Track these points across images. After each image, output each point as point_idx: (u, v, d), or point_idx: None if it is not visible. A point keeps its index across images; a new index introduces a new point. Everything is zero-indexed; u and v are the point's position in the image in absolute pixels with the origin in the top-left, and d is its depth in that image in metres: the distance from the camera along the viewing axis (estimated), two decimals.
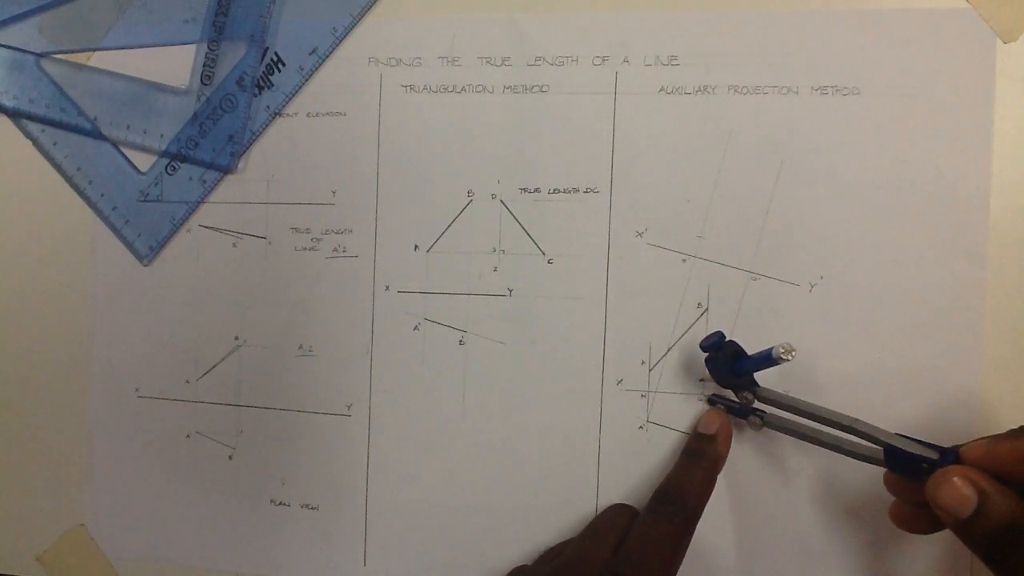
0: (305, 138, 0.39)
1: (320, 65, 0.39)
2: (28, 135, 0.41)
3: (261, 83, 0.39)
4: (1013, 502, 0.25)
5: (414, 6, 0.38)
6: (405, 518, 0.38)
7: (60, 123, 0.40)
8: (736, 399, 0.33)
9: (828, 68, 0.34)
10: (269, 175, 0.39)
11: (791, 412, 0.32)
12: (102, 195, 0.41)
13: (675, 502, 0.32)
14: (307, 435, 0.39)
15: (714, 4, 0.35)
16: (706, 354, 0.33)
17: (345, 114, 0.38)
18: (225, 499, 0.40)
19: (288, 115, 0.39)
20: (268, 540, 0.39)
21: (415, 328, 0.38)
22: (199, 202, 0.40)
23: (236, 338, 0.40)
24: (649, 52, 0.36)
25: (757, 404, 0.33)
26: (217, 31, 0.39)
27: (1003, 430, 0.27)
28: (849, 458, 0.31)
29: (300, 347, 0.39)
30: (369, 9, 0.38)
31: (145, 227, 0.40)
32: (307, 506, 0.39)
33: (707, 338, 0.33)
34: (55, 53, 0.40)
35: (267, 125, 0.39)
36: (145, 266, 0.40)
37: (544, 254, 0.37)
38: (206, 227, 0.40)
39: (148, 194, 0.40)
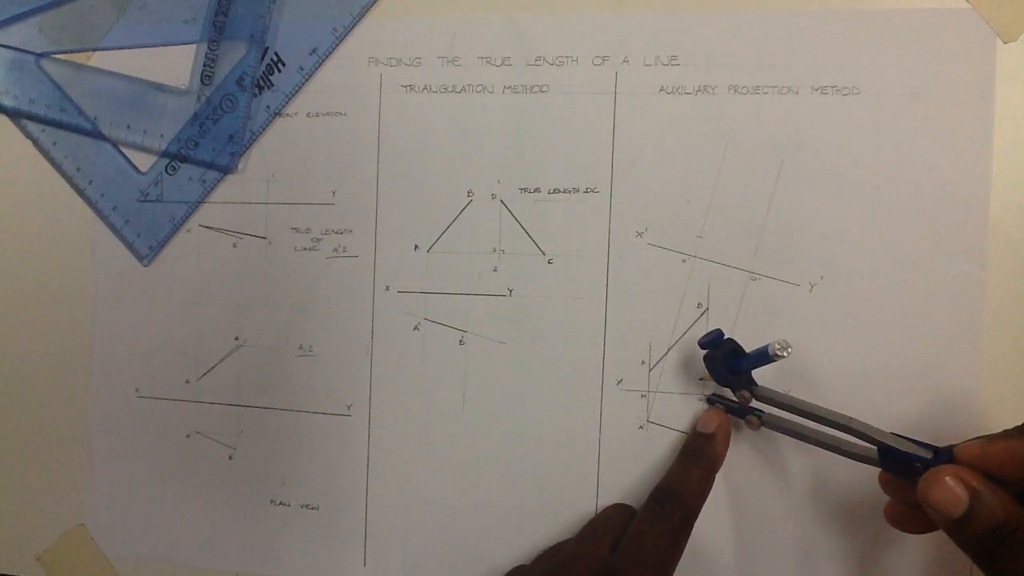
0: (305, 138, 0.39)
1: (320, 65, 0.39)
2: (28, 135, 0.41)
3: (261, 83, 0.39)
4: (1005, 502, 0.25)
5: (414, 6, 0.38)
6: (405, 518, 0.38)
7: (60, 123, 0.40)
8: (734, 398, 0.33)
9: (828, 68, 0.34)
10: (269, 175, 0.39)
11: (788, 411, 0.32)
12: (102, 195, 0.41)
13: (673, 501, 0.32)
14: (307, 435, 0.39)
15: (714, 4, 0.35)
16: (704, 352, 0.34)
17: (345, 114, 0.38)
18: (225, 499, 0.40)
19: (288, 115, 0.39)
20: (268, 540, 0.39)
21: (415, 328, 0.38)
22: (199, 202, 0.40)
23: (236, 338, 0.40)
24: (649, 52, 0.36)
25: (755, 403, 0.33)
26: (217, 31, 0.39)
27: (1002, 430, 0.27)
28: (847, 458, 0.31)
29: (300, 347, 0.39)
30: (369, 9, 0.38)
31: (145, 227, 0.40)
32: (307, 506, 0.39)
33: (705, 335, 0.33)
34: (55, 53, 0.40)
35: (267, 125, 0.39)
36: (145, 266, 0.40)
37: (544, 254, 0.37)
38: (206, 227, 0.40)
39: (148, 194, 0.40)
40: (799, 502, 0.35)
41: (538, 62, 0.37)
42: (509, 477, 0.37)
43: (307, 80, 0.39)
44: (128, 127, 0.40)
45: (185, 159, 0.40)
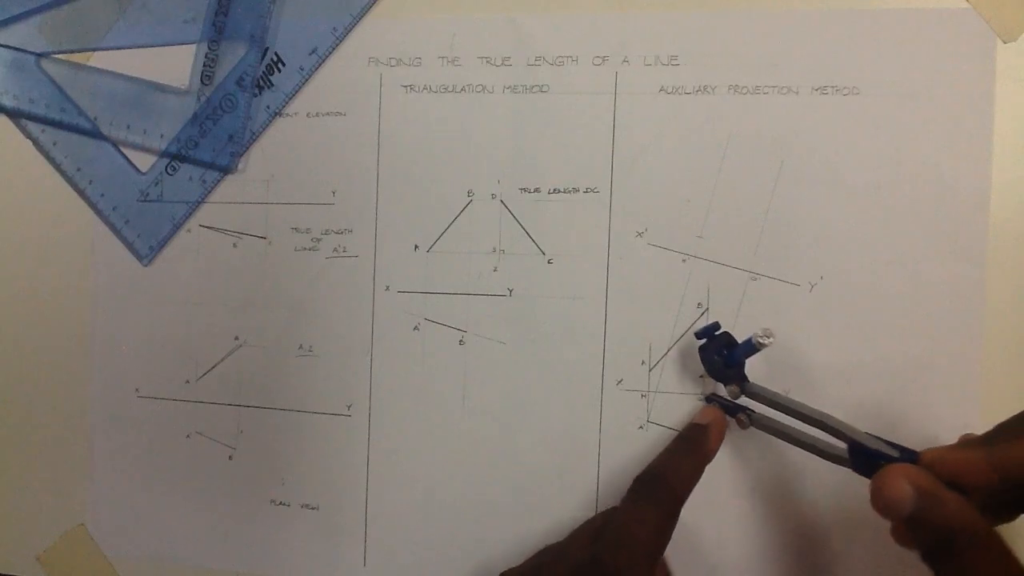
0: (305, 138, 0.39)
1: (320, 65, 0.39)
2: (28, 135, 0.41)
3: (261, 83, 0.39)
4: (955, 507, 0.25)
5: (414, 6, 0.38)
6: (405, 518, 0.38)
7: (60, 123, 0.40)
8: (726, 394, 0.33)
9: (828, 68, 0.34)
10: (269, 175, 0.39)
11: (772, 407, 0.32)
12: (102, 195, 0.41)
13: (659, 485, 0.30)
14: (307, 435, 0.39)
15: (714, 4, 0.35)
16: (700, 343, 0.34)
17: (345, 114, 0.39)
18: (225, 499, 0.40)
19: (288, 115, 0.39)
20: (268, 540, 0.39)
21: (415, 328, 0.38)
22: (199, 202, 0.40)
23: (236, 338, 0.40)
24: (649, 52, 0.36)
25: (745, 401, 0.33)
26: (217, 31, 0.39)
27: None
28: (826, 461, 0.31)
29: (300, 347, 0.39)
30: (369, 9, 0.38)
31: (145, 227, 0.40)
32: (307, 506, 0.39)
33: (703, 328, 0.33)
34: (55, 53, 0.40)
35: (267, 125, 0.39)
36: (145, 266, 0.40)
37: (544, 254, 0.37)
38: (206, 227, 0.40)
39: (148, 194, 0.40)
40: (787, 501, 0.35)
41: (538, 62, 0.37)
42: (509, 477, 0.37)
43: (307, 80, 0.39)
44: (128, 127, 0.40)
45: (185, 159, 0.40)
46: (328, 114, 0.39)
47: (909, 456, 0.27)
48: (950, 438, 0.30)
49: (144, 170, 0.40)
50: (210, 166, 0.39)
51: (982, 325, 0.33)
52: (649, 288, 0.36)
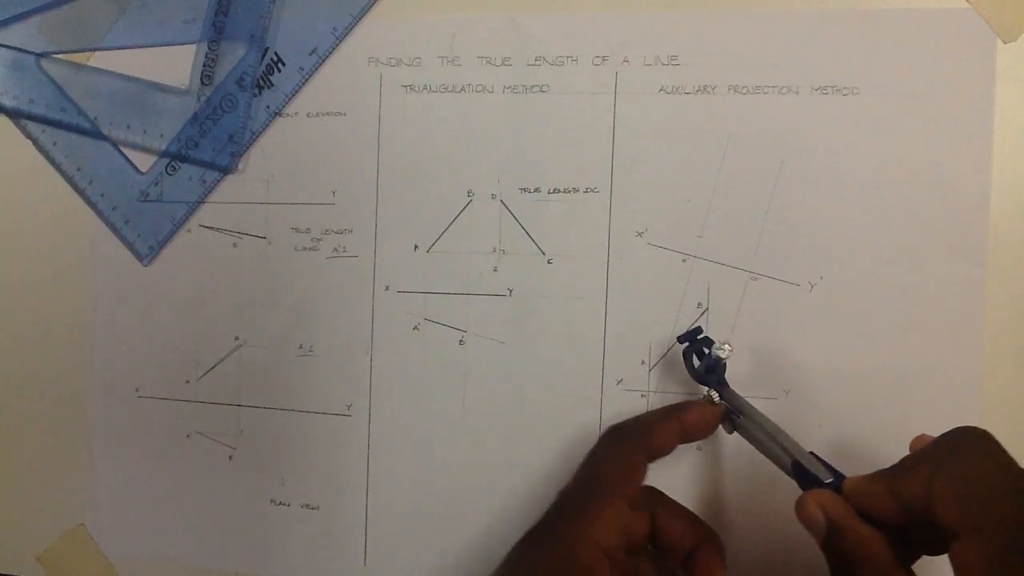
0: (305, 138, 0.39)
1: (320, 65, 0.39)
2: (28, 135, 0.41)
3: (261, 83, 0.39)
4: (856, 537, 0.25)
5: (414, 6, 0.38)
6: (405, 518, 0.38)
7: (60, 123, 0.40)
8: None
9: (828, 68, 0.34)
10: (269, 175, 0.39)
11: (740, 413, 0.32)
12: (102, 195, 0.41)
13: (624, 428, 0.31)
14: (307, 435, 0.39)
15: (714, 4, 0.35)
16: (683, 346, 0.34)
17: (345, 114, 0.39)
18: (225, 499, 0.40)
19: (288, 115, 0.39)
20: (268, 540, 0.39)
21: (415, 328, 0.38)
22: (199, 202, 0.40)
23: (236, 338, 0.40)
24: (649, 52, 0.36)
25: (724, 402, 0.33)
26: (217, 31, 0.39)
27: (1003, 430, 0.27)
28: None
29: (300, 347, 0.39)
30: (369, 9, 0.38)
31: (145, 227, 0.40)
32: (307, 506, 0.39)
33: (685, 332, 0.33)
34: (55, 53, 0.40)
35: (267, 125, 0.39)
36: (145, 266, 0.40)
37: (544, 254, 0.37)
38: (206, 227, 0.40)
39: (148, 194, 0.40)
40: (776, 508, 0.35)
41: (538, 62, 0.37)
42: (509, 477, 0.37)
43: (307, 80, 0.39)
44: (128, 127, 0.40)
45: (185, 159, 0.40)
46: (328, 114, 0.39)
47: (837, 481, 0.28)
48: None
49: (144, 170, 0.40)
50: (210, 166, 0.39)
51: (982, 325, 0.33)
52: (649, 288, 0.36)
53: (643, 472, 0.30)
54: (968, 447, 0.24)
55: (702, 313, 0.35)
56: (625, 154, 0.36)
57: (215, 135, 0.39)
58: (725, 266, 0.35)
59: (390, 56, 0.38)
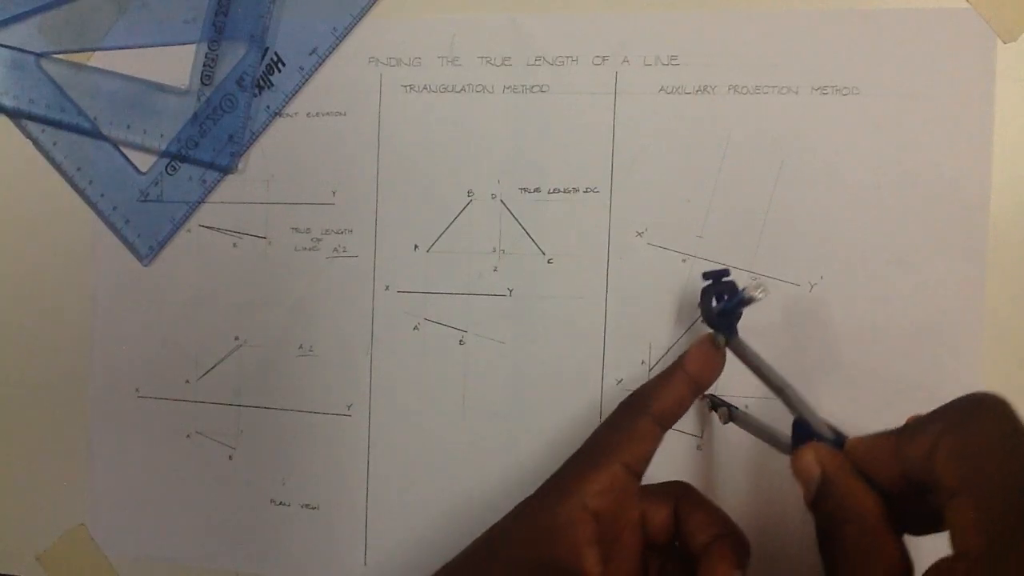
0: (305, 138, 0.39)
1: (320, 65, 0.39)
2: (28, 135, 0.41)
3: (261, 83, 0.39)
4: (851, 493, 0.25)
5: (414, 6, 0.38)
6: (405, 518, 0.38)
7: (60, 123, 0.40)
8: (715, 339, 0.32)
9: (828, 68, 0.34)
10: (269, 175, 0.39)
11: (747, 365, 0.31)
12: (102, 195, 0.41)
13: (634, 400, 0.30)
14: (307, 435, 0.39)
15: (714, 4, 0.35)
16: (705, 284, 0.33)
17: (345, 114, 0.39)
18: (225, 499, 0.40)
19: (288, 115, 0.39)
20: (268, 540, 0.39)
21: (415, 328, 0.38)
22: (199, 202, 0.40)
23: (236, 338, 0.40)
24: (649, 52, 0.36)
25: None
26: (217, 31, 0.39)
27: None
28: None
29: (300, 347, 0.39)
30: (369, 9, 0.38)
31: (145, 227, 0.40)
32: (307, 506, 0.39)
33: (713, 270, 0.33)
34: (55, 53, 0.40)
35: (267, 125, 0.39)
36: (145, 266, 0.41)
37: (544, 254, 0.37)
38: (206, 227, 0.40)
39: (148, 194, 0.40)
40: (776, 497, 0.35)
41: (538, 62, 0.37)
42: (509, 477, 0.37)
43: (307, 80, 0.39)
44: (128, 127, 0.40)
45: (185, 159, 0.40)
46: (328, 114, 0.39)
47: (838, 440, 0.27)
48: None
49: (144, 170, 0.40)
50: (210, 166, 0.39)
51: (982, 325, 0.33)
52: (649, 288, 0.36)
53: (649, 438, 0.29)
54: (982, 410, 0.23)
55: (693, 322, 0.35)
56: (625, 154, 0.36)
57: (215, 135, 0.39)
58: (725, 266, 0.35)
59: (390, 56, 0.38)
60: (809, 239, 0.35)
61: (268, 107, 0.39)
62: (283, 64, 0.39)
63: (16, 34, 0.40)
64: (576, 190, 0.36)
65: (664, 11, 0.36)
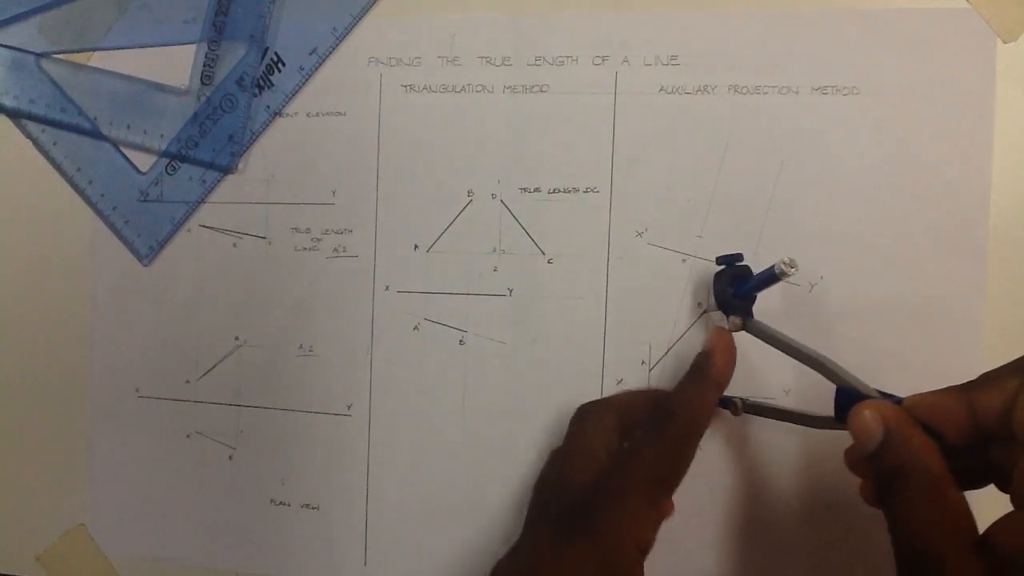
0: (305, 138, 0.39)
1: (320, 65, 0.39)
2: (28, 135, 0.41)
3: (261, 83, 0.39)
4: (916, 445, 0.24)
5: (414, 6, 0.38)
6: (405, 518, 0.38)
7: (60, 123, 0.40)
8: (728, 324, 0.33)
9: (828, 68, 0.34)
10: (269, 175, 0.39)
11: (773, 344, 0.31)
12: (102, 195, 0.41)
13: (665, 416, 0.30)
14: (307, 435, 0.39)
15: (714, 4, 0.35)
16: (719, 269, 0.33)
17: (345, 114, 0.39)
18: (225, 499, 0.40)
19: (288, 115, 0.39)
20: (268, 540, 0.39)
21: (415, 328, 0.38)
22: (199, 202, 0.40)
23: (236, 338, 0.40)
24: (649, 52, 0.36)
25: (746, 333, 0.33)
26: (217, 31, 0.39)
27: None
28: (827, 440, 0.30)
29: (300, 347, 0.39)
30: (369, 9, 0.38)
31: (145, 227, 0.40)
32: (307, 506, 0.39)
33: (726, 255, 0.33)
34: (55, 53, 0.40)
35: (267, 125, 0.39)
36: (145, 266, 0.40)
37: (544, 254, 0.37)
38: (206, 227, 0.40)
39: (148, 194, 0.40)
40: (782, 486, 0.35)
41: (538, 62, 0.37)
42: (509, 477, 0.37)
43: (307, 80, 0.39)
44: (128, 127, 0.40)
45: (185, 159, 0.40)
46: (328, 114, 0.39)
47: (895, 399, 0.27)
48: None
49: (144, 170, 0.40)
50: (210, 166, 0.39)
51: (982, 325, 0.33)
52: (649, 288, 0.36)
53: (692, 455, 0.29)
54: None
55: (702, 313, 0.35)
56: (625, 154, 0.36)
57: (215, 135, 0.39)
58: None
59: (390, 56, 0.38)
60: (809, 239, 0.35)
61: (268, 107, 0.39)
62: (283, 64, 0.39)
63: (16, 34, 0.40)
64: (576, 190, 0.36)
65: (664, 11, 0.36)
